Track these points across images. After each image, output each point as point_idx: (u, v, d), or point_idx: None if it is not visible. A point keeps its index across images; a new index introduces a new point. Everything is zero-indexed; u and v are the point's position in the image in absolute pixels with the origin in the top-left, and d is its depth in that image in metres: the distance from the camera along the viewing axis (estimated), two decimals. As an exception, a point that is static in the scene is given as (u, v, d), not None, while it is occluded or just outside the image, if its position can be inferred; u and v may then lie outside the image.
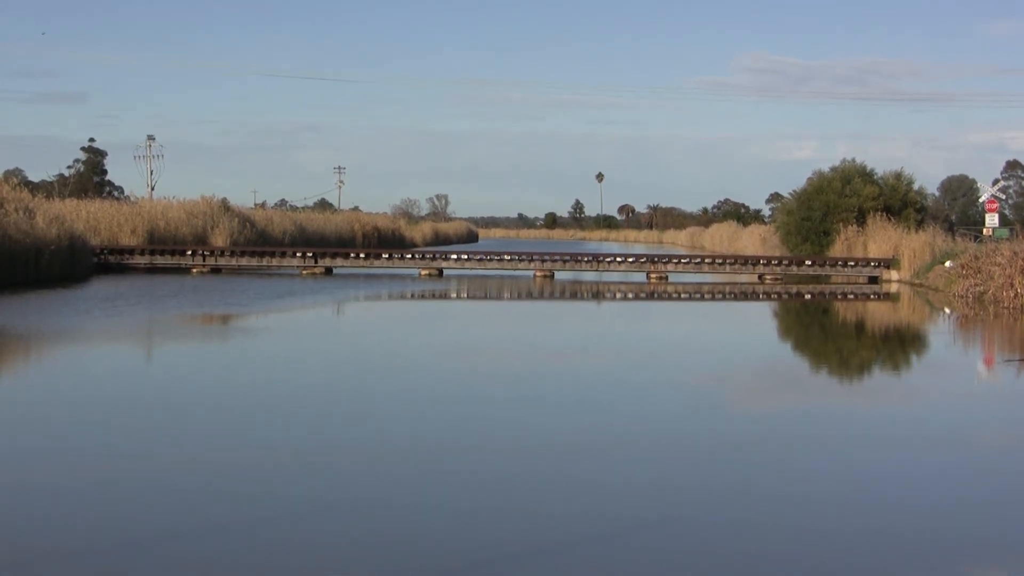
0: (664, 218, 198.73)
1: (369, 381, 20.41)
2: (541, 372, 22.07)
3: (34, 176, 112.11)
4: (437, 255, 60.36)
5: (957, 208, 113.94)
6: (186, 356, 23.87)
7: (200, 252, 55.80)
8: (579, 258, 57.44)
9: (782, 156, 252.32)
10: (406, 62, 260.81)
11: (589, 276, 58.16)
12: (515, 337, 30.03)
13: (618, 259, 58.38)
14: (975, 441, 15.93)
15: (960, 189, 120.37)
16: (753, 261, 57.64)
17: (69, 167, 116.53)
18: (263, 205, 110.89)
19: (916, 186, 68.54)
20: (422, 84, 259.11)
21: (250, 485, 12.25)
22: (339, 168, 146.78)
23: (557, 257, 57.39)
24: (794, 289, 50.93)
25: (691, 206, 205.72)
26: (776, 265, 55.99)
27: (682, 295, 47.55)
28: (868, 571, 9.74)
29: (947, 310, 38.57)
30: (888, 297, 46.91)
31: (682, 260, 59.02)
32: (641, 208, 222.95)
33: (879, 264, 55.07)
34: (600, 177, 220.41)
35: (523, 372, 21.97)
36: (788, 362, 26.29)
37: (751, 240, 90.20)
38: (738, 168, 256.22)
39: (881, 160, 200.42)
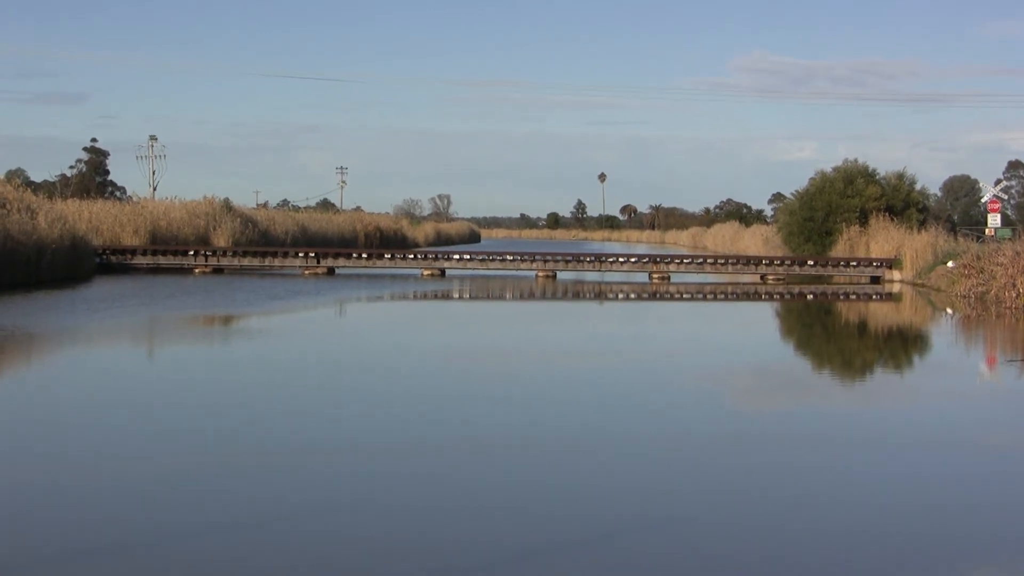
0: (666, 218, 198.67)
1: (371, 382, 20.42)
2: (543, 373, 22.05)
3: (36, 176, 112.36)
4: (439, 255, 60.34)
5: (959, 208, 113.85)
6: (189, 357, 23.88)
7: (202, 252, 55.80)
8: (581, 258, 57.43)
9: (783, 156, 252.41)
10: (408, 63, 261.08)
11: (591, 276, 58.13)
12: (517, 338, 30.02)
13: (620, 259, 58.34)
14: (977, 441, 15.92)
15: (962, 189, 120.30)
16: (755, 261, 57.62)
17: (71, 167, 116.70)
18: (265, 205, 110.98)
19: (918, 186, 68.60)
20: (424, 84, 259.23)
21: (251, 485, 12.24)
22: (341, 168, 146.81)
23: (559, 257, 57.38)
24: (796, 289, 50.91)
25: (693, 206, 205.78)
26: (778, 265, 55.96)
27: (684, 295, 47.54)
28: (871, 572, 9.74)
29: (949, 310, 38.55)
30: (890, 297, 46.89)
31: (684, 260, 59.02)
32: (643, 208, 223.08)
33: (881, 264, 55.04)
34: (603, 177, 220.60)
35: (525, 373, 21.96)
36: (791, 363, 26.28)
37: (753, 240, 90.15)
38: (740, 168, 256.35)
39: (882, 161, 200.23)
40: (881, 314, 40.12)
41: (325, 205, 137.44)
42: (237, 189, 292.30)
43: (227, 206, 67.38)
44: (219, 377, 20.80)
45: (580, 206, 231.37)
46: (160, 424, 15.59)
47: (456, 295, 44.98)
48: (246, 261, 56.03)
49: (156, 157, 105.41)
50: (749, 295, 48.72)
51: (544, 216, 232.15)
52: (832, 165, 70.07)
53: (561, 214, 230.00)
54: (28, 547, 9.99)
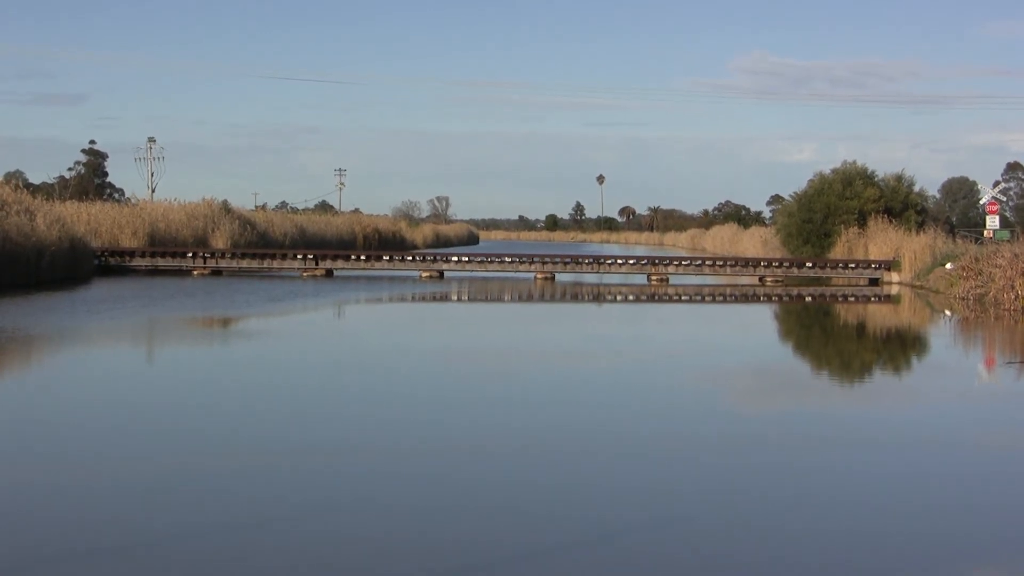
0: (665, 220, 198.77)
1: (371, 383, 20.41)
2: (542, 374, 22.07)
3: (35, 178, 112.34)
4: (438, 257, 60.36)
5: (958, 210, 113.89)
6: (188, 358, 23.88)
7: (201, 254, 55.78)
8: (580, 260, 57.43)
9: (782, 158, 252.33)
10: (407, 64, 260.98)
11: (590, 278, 58.14)
12: (516, 339, 30.03)
13: (619, 261, 58.37)
14: (977, 442, 15.93)
15: (961, 191, 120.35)
16: (754, 263, 57.64)
17: (70, 169, 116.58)
18: (264, 207, 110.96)
19: (917, 188, 68.67)
20: (423, 85, 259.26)
21: (251, 485, 12.24)
22: (340, 170, 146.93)
23: (558, 259, 57.39)
24: (795, 291, 50.93)
25: (692, 208, 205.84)
26: (777, 267, 55.99)
27: (683, 297, 47.55)
28: (870, 572, 9.75)
29: (948, 312, 38.57)
30: (889, 299, 46.91)
31: (683, 262, 59.03)
32: (642, 210, 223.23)
33: (880, 266, 55.07)
34: (601, 179, 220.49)
35: (524, 374, 21.97)
36: (789, 364, 26.29)
37: (752, 242, 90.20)
38: (739, 170, 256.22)
39: (881, 162, 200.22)
40: (880, 316, 40.14)
41: (324, 207, 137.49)
42: (236, 190, 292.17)
43: (226, 208, 67.37)
44: (219, 378, 20.80)
45: (578, 208, 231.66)
46: (160, 425, 15.59)
47: (455, 297, 44.99)
48: (244, 263, 56.03)
49: (154, 159, 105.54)
50: (748, 297, 48.74)
51: (542, 218, 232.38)
52: (831, 166, 70.22)
53: (559, 216, 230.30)
54: (28, 547, 10.00)
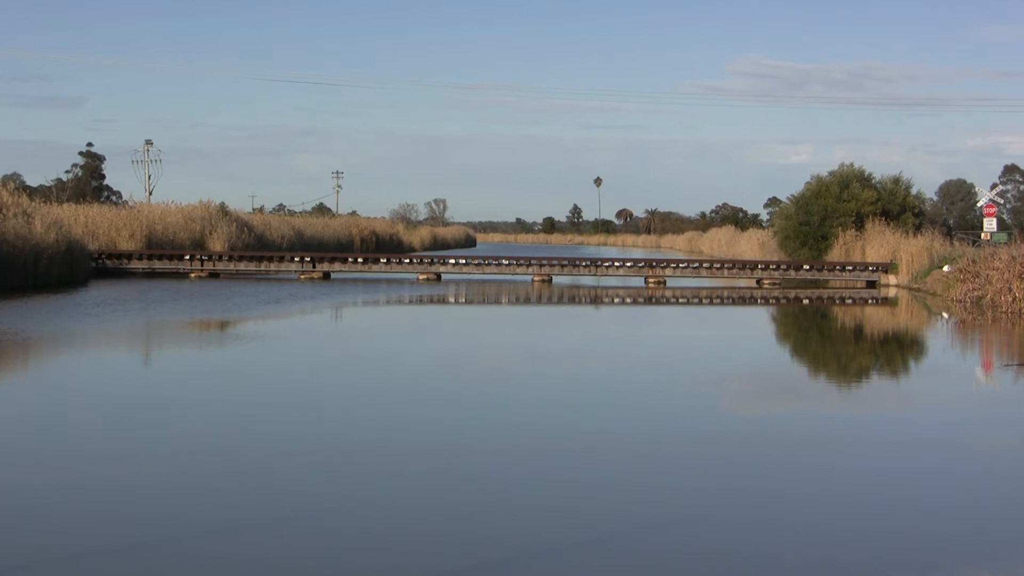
0: (662, 223, 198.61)
1: (366, 386, 20.42)
2: (539, 377, 22.08)
3: (32, 181, 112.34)
4: (435, 259, 60.34)
5: (955, 212, 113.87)
6: (187, 361, 23.86)
7: (198, 257, 55.76)
8: (577, 263, 57.42)
9: (780, 160, 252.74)
10: (404, 66, 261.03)
11: (587, 281, 58.16)
12: (514, 342, 30.03)
13: (616, 264, 58.37)
14: (973, 446, 15.95)
15: (958, 193, 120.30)
16: (751, 266, 57.68)
17: (67, 172, 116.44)
18: (261, 209, 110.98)
19: (914, 190, 68.77)
20: (420, 88, 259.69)
21: (249, 488, 12.24)
22: (337, 172, 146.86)
23: (555, 262, 57.38)
24: (792, 294, 50.96)
25: (689, 211, 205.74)
26: (774, 269, 56.03)
27: (680, 300, 47.57)
28: (870, 574, 9.76)
29: (945, 315, 38.61)
30: (886, 302, 46.94)
31: (680, 264, 59.03)
32: (639, 213, 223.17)
33: (877, 268, 55.12)
34: (598, 181, 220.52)
35: (521, 377, 21.97)
36: (786, 367, 26.31)
37: (749, 245, 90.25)
38: (736, 172, 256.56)
39: (878, 164, 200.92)
40: (877, 318, 40.16)
41: (321, 209, 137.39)
42: (233, 193, 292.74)
43: (223, 210, 67.30)
44: (217, 381, 20.78)
45: (576, 210, 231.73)
46: (159, 426, 15.59)
47: (452, 299, 44.96)
48: (242, 265, 56.00)
49: (152, 161, 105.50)
50: (745, 299, 48.74)
51: (540, 221, 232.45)
52: (828, 169, 70.29)
53: (557, 218, 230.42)
54: (28, 547, 10.00)
